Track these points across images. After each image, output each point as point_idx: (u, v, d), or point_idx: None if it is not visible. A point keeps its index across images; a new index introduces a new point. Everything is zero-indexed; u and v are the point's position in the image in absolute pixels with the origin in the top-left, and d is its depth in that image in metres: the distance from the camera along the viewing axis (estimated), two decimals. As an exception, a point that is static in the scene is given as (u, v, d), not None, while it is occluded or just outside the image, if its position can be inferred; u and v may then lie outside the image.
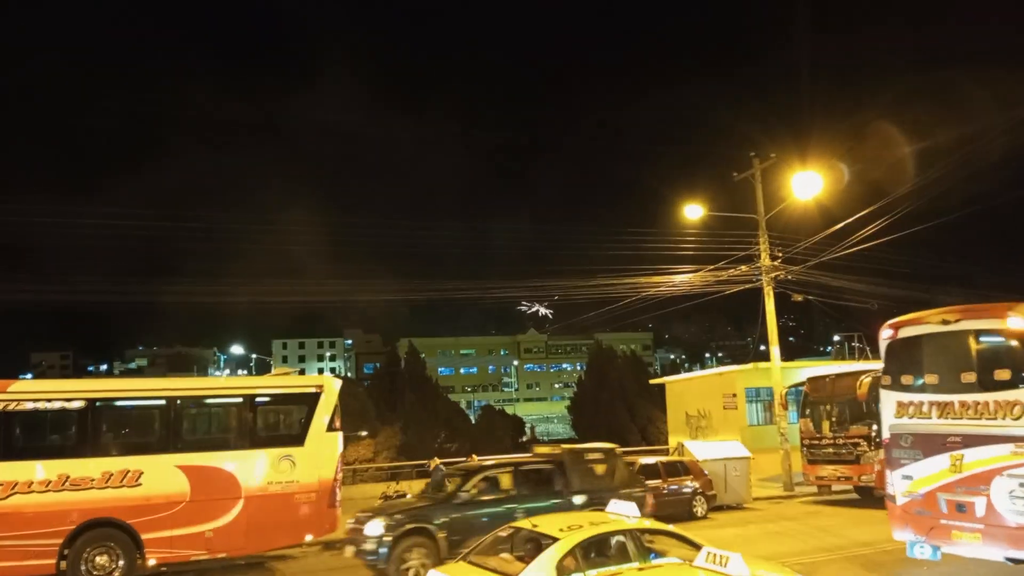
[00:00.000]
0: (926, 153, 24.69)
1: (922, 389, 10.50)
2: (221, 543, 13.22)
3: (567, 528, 7.69)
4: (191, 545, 12.93)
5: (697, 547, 7.77)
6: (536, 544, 7.65)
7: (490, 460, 14.60)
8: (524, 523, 8.48)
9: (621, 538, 7.96)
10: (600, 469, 13.80)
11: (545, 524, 8.05)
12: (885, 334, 11.33)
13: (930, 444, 10.19)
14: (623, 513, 8.52)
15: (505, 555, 8.10)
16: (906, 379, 10.78)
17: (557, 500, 12.96)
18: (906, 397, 10.65)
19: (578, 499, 13.06)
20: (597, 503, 12.57)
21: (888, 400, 10.98)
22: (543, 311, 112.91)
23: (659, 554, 8.03)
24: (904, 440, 10.58)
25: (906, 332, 10.99)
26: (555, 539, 7.48)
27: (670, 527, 8.46)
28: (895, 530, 10.76)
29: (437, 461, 20.21)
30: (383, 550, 11.45)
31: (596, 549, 7.81)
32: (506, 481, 13.00)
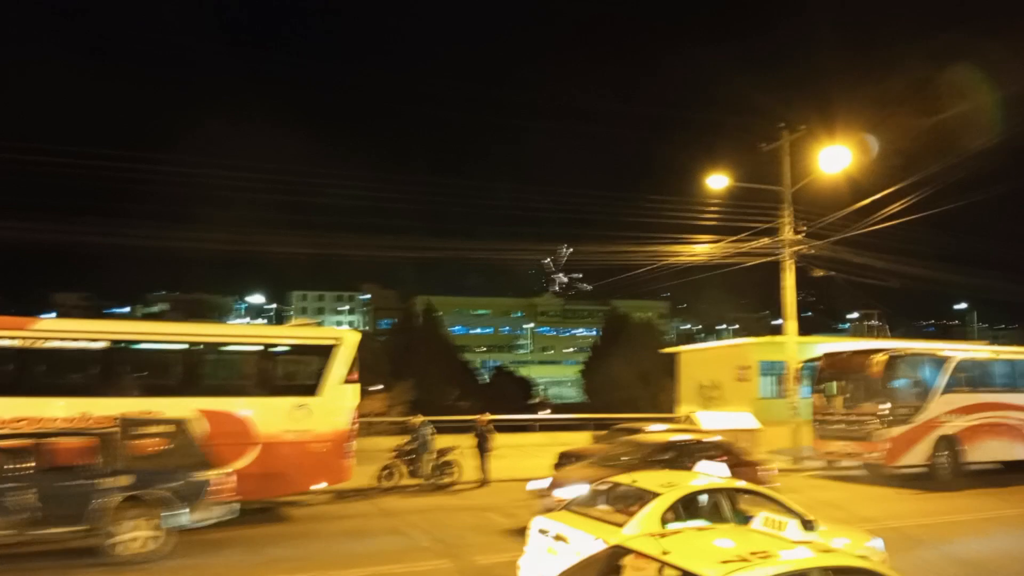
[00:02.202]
0: (961, 124, 24.04)
1: None
2: (236, 486, 13.52)
3: (667, 485, 8.24)
4: (207, 486, 13.17)
5: (786, 508, 7.98)
6: (639, 498, 8.10)
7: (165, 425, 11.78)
8: (624, 479, 9.00)
9: (715, 496, 8.37)
10: (160, 446, 11.54)
11: (644, 480, 8.61)
12: None
13: None
14: (712, 473, 8.90)
15: (604, 507, 8.57)
16: None
17: (86, 481, 10.45)
18: None
19: (118, 480, 10.60)
20: (144, 486, 10.71)
21: None
22: (562, 278, 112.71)
23: (744, 513, 8.23)
24: None
25: None
26: (657, 494, 7.97)
27: (760, 488, 8.85)
28: None
29: (422, 418, 18.58)
30: None
31: (692, 505, 8.21)
32: (21, 457, 10.40)
